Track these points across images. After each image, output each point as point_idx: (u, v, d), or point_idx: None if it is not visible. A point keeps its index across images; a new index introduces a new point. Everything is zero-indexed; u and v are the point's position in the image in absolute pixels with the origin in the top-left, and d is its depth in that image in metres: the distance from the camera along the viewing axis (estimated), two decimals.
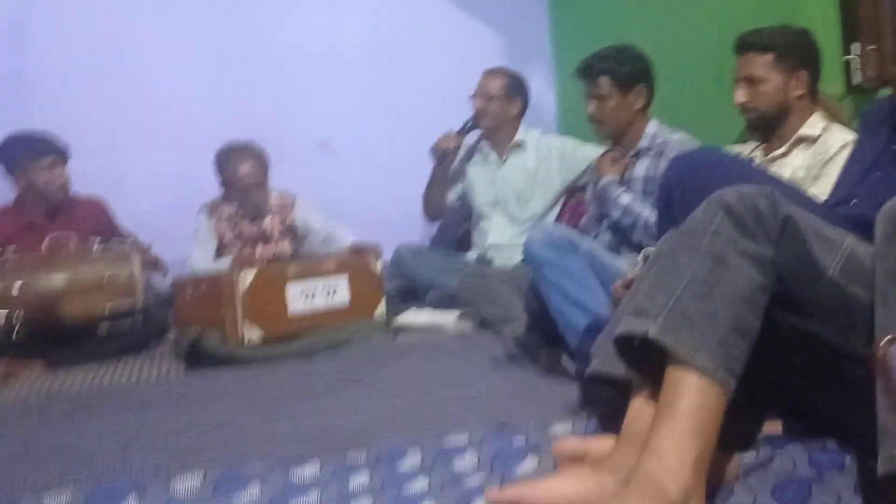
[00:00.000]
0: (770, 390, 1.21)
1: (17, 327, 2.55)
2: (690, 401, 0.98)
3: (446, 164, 3.24)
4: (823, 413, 1.20)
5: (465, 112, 3.84)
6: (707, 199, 1.12)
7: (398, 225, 3.59)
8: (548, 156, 3.12)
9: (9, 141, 2.87)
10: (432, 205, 3.34)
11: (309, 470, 1.33)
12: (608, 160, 2.52)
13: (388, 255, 3.21)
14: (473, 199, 3.26)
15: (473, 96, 3.19)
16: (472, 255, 3.26)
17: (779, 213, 1.08)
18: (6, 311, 2.53)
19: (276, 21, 3.68)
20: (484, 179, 3.23)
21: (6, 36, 3.32)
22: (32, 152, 2.85)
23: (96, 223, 2.99)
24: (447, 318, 2.81)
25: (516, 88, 3.19)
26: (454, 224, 3.46)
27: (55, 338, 2.63)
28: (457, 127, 3.22)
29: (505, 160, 3.18)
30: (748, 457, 1.18)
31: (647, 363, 1.07)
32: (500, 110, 3.16)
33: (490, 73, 3.23)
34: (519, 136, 3.17)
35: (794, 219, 1.08)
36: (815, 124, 2.03)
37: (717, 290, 1.03)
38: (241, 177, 3.07)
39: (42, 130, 2.91)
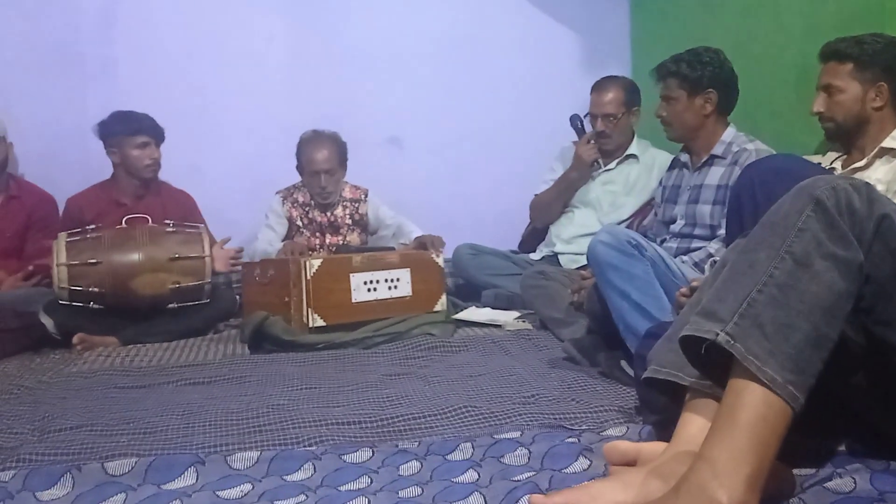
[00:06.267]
0: (834, 406, 1.17)
1: (91, 301, 2.66)
2: (753, 413, 0.94)
3: (587, 173, 3.07)
4: (888, 433, 1.15)
5: (535, 113, 3.84)
6: (796, 188, 1.04)
7: (463, 223, 3.60)
8: (650, 167, 3.06)
9: (111, 117, 3.01)
10: (553, 213, 3.20)
11: (361, 456, 1.35)
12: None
13: (450, 253, 3.23)
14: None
15: (589, 116, 3.08)
16: (536, 255, 3.25)
17: (874, 212, 1.00)
18: (82, 286, 2.64)
19: (351, 17, 3.73)
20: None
21: (97, 23, 3.46)
22: (128, 129, 2.97)
23: (182, 213, 3.08)
24: (507, 317, 2.81)
25: (633, 97, 3.06)
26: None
27: (128, 314, 2.74)
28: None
29: (613, 167, 3.10)
30: (807, 473, 1.14)
31: (711, 364, 1.03)
32: (624, 127, 3.06)
33: (603, 89, 3.05)
34: (632, 149, 3.08)
35: (891, 218, 1.01)
36: None
37: (795, 297, 0.97)
38: (315, 160, 3.13)
39: (143, 112, 3.03)
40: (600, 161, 3.06)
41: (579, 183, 3.11)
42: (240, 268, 3.02)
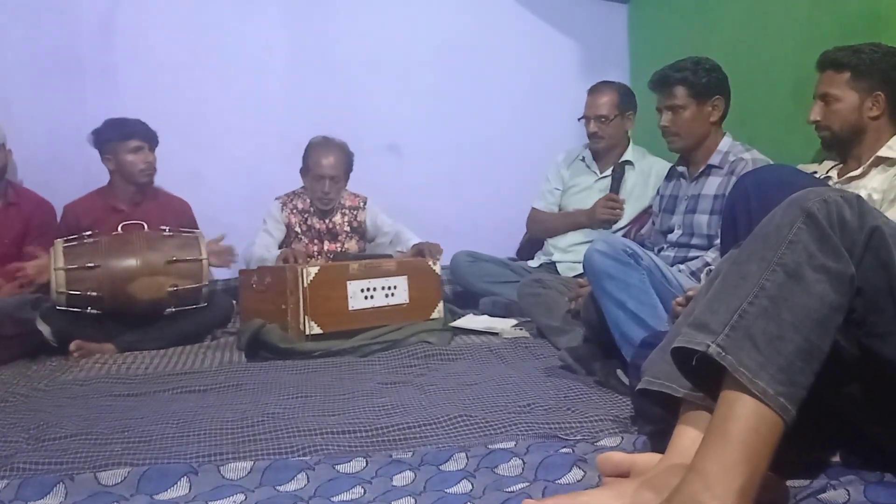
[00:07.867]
0: (828, 417, 1.17)
1: (89, 306, 2.65)
2: (744, 425, 0.94)
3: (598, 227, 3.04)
4: (882, 445, 1.15)
5: (534, 121, 3.85)
6: (787, 200, 1.04)
7: (461, 230, 3.60)
8: (646, 175, 3.06)
9: (103, 125, 3.05)
10: (549, 232, 3.25)
11: (354, 466, 1.35)
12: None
13: (448, 261, 3.23)
14: (567, 203, 3.21)
15: (584, 119, 3.11)
16: (534, 262, 3.25)
17: (865, 224, 1.00)
18: (80, 290, 2.63)
19: (350, 26, 3.73)
20: (583, 187, 3.18)
21: (96, 30, 3.46)
22: (121, 134, 3.01)
23: (178, 219, 3.08)
24: (504, 325, 2.81)
25: (627, 101, 3.09)
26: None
27: (126, 319, 2.73)
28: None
29: (609, 174, 3.10)
30: (801, 484, 1.14)
31: (703, 376, 1.03)
32: (616, 130, 3.08)
33: (597, 91, 3.11)
34: (628, 156, 3.09)
35: (882, 231, 1.01)
36: (894, 146, 1.95)
37: (786, 309, 0.97)
38: (321, 165, 3.16)
39: (136, 118, 3.06)
40: (612, 223, 3.03)
41: (587, 226, 3.09)
42: (235, 264, 3.04)
